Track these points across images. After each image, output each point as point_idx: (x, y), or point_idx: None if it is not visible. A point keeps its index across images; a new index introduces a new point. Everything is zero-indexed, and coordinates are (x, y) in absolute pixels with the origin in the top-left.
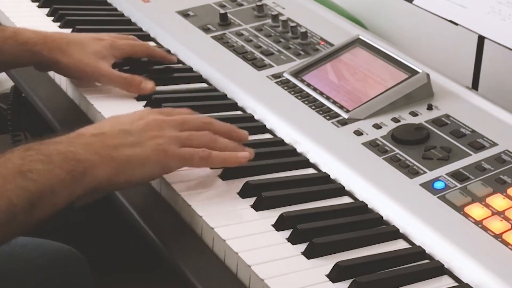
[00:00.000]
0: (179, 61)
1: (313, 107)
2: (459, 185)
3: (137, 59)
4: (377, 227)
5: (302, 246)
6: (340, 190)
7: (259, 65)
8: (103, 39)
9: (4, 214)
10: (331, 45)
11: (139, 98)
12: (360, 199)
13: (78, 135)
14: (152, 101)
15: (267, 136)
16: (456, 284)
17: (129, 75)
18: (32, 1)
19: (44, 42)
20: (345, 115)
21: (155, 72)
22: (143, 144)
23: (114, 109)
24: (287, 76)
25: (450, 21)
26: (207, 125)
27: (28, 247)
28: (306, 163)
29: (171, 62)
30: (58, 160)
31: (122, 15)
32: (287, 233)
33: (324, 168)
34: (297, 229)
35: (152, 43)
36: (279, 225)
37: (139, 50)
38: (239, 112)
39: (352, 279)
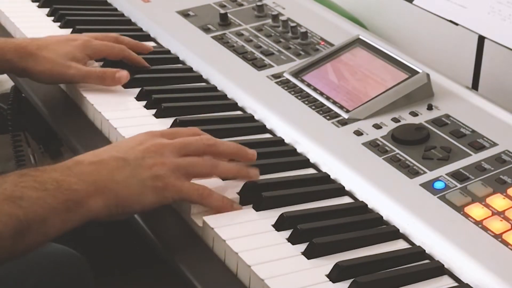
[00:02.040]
0: (179, 61)
1: (313, 107)
2: (459, 185)
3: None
4: (377, 227)
5: (302, 246)
6: (340, 190)
7: (259, 65)
8: (76, 40)
9: None
10: (331, 45)
11: (139, 98)
12: (360, 199)
13: (75, 163)
14: (152, 101)
15: (267, 136)
16: (456, 284)
17: (101, 69)
18: (32, 1)
19: (15, 50)
20: (345, 115)
21: (155, 71)
22: (140, 175)
23: (114, 109)
24: (287, 76)
25: (450, 21)
26: (210, 147)
27: None
28: (306, 163)
29: (145, 68)
30: (52, 188)
31: (122, 15)
32: (287, 233)
33: (324, 168)
34: (297, 229)
35: (152, 43)
36: (279, 225)
37: (114, 52)
38: (239, 112)
39: (352, 279)
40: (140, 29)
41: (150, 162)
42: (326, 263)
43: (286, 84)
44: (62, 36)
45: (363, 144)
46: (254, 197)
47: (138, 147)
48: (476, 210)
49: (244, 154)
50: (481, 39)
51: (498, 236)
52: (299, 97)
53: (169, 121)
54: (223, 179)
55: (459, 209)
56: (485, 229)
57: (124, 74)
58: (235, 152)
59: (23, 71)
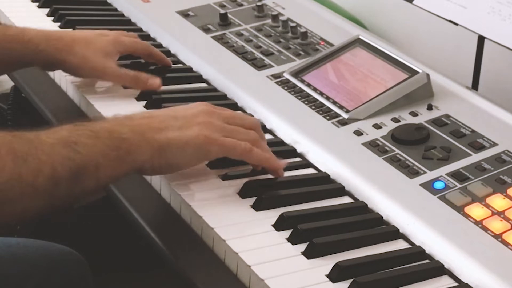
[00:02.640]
0: (179, 61)
1: (313, 107)
2: (459, 185)
3: (137, 58)
4: (377, 227)
5: (302, 246)
6: (340, 190)
7: (259, 65)
8: (107, 35)
9: (47, 180)
10: (331, 45)
11: (139, 98)
12: (360, 199)
13: (127, 117)
14: (152, 101)
15: (267, 136)
16: (456, 284)
17: (136, 72)
18: (32, 1)
19: (48, 40)
20: (345, 115)
21: (155, 71)
22: (188, 129)
23: (114, 109)
24: (287, 76)
25: (450, 21)
26: (254, 125)
27: (29, 249)
28: (306, 163)
29: (167, 66)
30: (104, 136)
31: (122, 15)
32: (287, 233)
33: (324, 168)
34: (297, 229)
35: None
36: (279, 225)
37: (141, 48)
38: (239, 112)
39: (352, 279)
40: (140, 29)
41: (199, 120)
42: (326, 263)
43: (286, 84)
44: (94, 31)
45: (363, 144)
46: (253, 193)
47: (190, 109)
48: (476, 210)
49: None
50: (481, 39)
51: (498, 236)
52: (299, 97)
53: None
54: (252, 163)
55: (459, 209)
56: (485, 229)
57: (157, 82)
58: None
59: (58, 63)
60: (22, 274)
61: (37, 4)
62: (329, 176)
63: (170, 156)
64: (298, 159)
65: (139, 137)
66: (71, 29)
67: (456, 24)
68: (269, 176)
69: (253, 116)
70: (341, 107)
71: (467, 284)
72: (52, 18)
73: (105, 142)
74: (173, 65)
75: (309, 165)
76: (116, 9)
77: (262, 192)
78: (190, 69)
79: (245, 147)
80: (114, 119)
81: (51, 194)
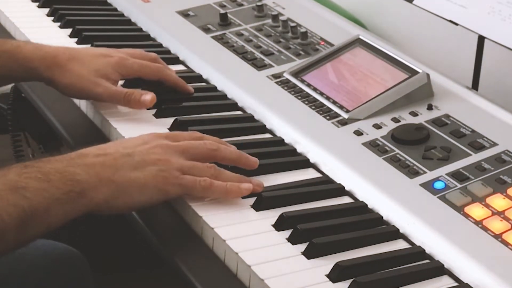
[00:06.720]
0: (179, 61)
1: (313, 107)
2: (459, 185)
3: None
4: (377, 227)
5: (302, 246)
6: (340, 190)
7: (259, 65)
8: (111, 56)
9: None
10: (331, 45)
11: None
12: (360, 199)
13: (79, 155)
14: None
15: (267, 136)
16: (456, 284)
17: (128, 90)
18: (32, 1)
19: (43, 58)
20: (345, 115)
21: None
22: (144, 169)
23: (114, 109)
24: (287, 76)
25: (450, 21)
26: (213, 152)
27: (30, 247)
28: (306, 163)
29: (187, 93)
30: (56, 179)
31: (122, 15)
32: (287, 233)
33: (324, 168)
34: (297, 229)
35: (151, 43)
36: (279, 225)
37: (150, 72)
38: (239, 112)
39: (352, 279)
40: (140, 29)
41: (155, 157)
42: (326, 263)
43: (286, 84)
44: (99, 49)
45: (363, 144)
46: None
47: (143, 145)
48: (476, 210)
49: (245, 161)
50: (481, 39)
51: (498, 236)
52: (299, 97)
53: (169, 121)
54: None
55: (459, 209)
56: (485, 229)
57: (148, 98)
58: (236, 158)
59: (49, 81)
60: (22, 273)
61: (37, 4)
62: (329, 176)
63: (127, 198)
64: (297, 158)
65: (94, 178)
66: (68, 31)
67: (456, 24)
68: (270, 176)
69: (253, 116)
70: (341, 107)
71: (467, 284)
72: (52, 18)
73: (56, 185)
74: (173, 65)
75: (309, 165)
76: (116, 9)
77: (262, 192)
78: (190, 69)
79: (205, 184)
80: (65, 158)
81: None
